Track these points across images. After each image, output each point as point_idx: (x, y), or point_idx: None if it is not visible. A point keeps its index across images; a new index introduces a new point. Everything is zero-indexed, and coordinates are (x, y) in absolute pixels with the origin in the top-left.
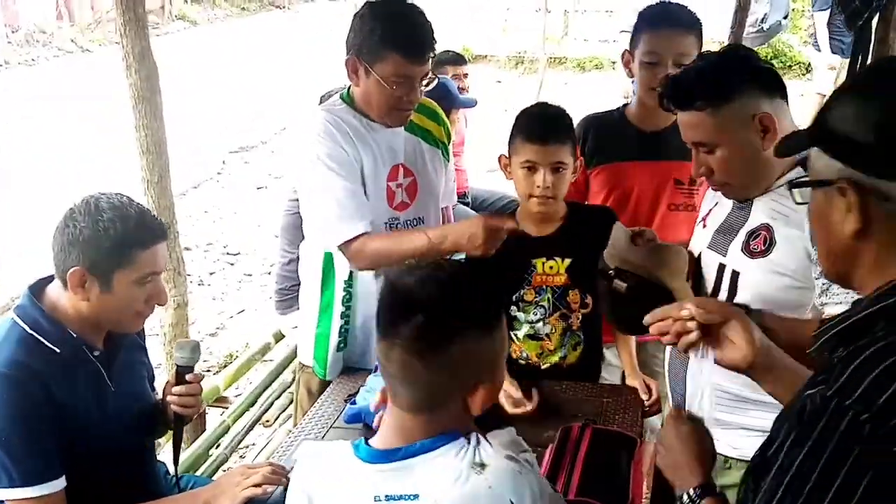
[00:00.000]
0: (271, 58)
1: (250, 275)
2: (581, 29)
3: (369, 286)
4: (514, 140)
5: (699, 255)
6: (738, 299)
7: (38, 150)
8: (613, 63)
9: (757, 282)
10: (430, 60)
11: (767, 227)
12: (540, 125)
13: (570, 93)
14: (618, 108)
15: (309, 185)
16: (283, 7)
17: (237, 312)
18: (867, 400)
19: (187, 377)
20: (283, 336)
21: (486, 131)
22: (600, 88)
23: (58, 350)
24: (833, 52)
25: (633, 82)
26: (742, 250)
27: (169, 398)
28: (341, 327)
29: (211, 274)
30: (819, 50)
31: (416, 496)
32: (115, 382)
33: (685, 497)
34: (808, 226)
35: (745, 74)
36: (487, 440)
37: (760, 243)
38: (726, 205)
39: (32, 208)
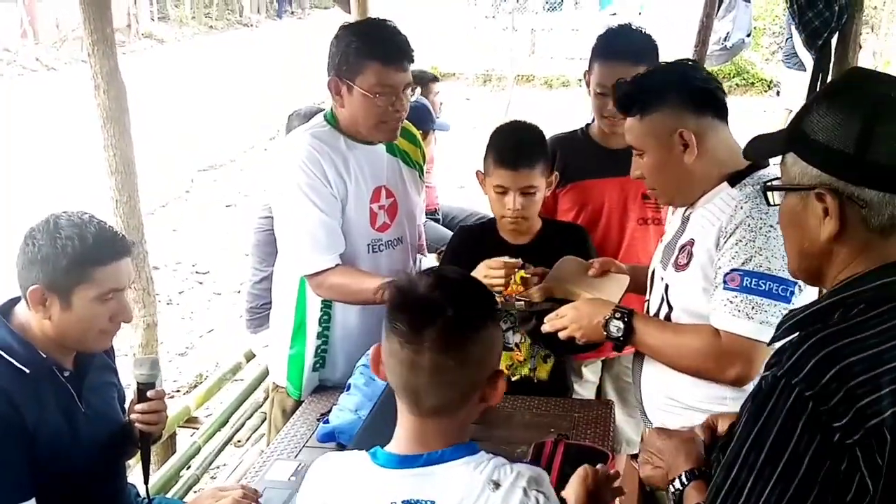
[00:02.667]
0: (238, 76)
1: (219, 293)
2: (548, 47)
3: (348, 307)
4: (487, 160)
5: (652, 270)
6: (673, 311)
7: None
8: (580, 80)
9: (680, 293)
10: (410, 70)
11: (692, 242)
12: (510, 150)
13: (538, 110)
14: (581, 128)
15: (286, 211)
16: (251, 25)
17: (207, 332)
18: (811, 380)
19: (149, 394)
20: (254, 355)
21: (454, 149)
22: (568, 106)
23: (27, 370)
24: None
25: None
26: (672, 264)
27: (132, 416)
28: (318, 348)
29: (180, 293)
30: (790, 68)
31: (432, 502)
32: (86, 403)
33: (676, 482)
34: (718, 239)
35: (675, 90)
36: (513, 467)
37: (684, 257)
38: (675, 221)
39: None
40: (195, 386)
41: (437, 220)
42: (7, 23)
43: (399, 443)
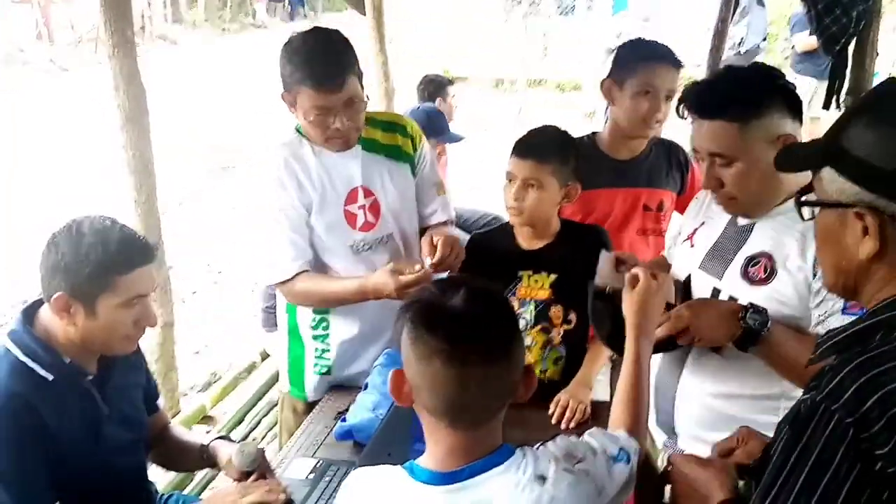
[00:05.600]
0: (252, 77)
1: (234, 291)
2: (560, 51)
3: (345, 308)
4: (511, 153)
5: (688, 276)
6: None
7: (23, 169)
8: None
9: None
10: (348, 85)
11: (768, 256)
12: (524, 140)
13: (549, 113)
14: (587, 136)
15: (259, 223)
16: (263, 28)
17: (221, 331)
18: (851, 406)
19: (254, 476)
20: (269, 355)
21: (467, 151)
22: (580, 109)
23: (50, 377)
24: (805, 75)
25: (606, 110)
26: (741, 276)
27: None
28: (318, 350)
29: (194, 293)
30: (799, 73)
31: None
32: (109, 405)
33: None
34: (810, 255)
35: (776, 93)
36: (541, 454)
37: (761, 271)
38: (717, 225)
39: (17, 228)
40: (210, 384)
41: None
42: (22, 24)
43: (437, 459)
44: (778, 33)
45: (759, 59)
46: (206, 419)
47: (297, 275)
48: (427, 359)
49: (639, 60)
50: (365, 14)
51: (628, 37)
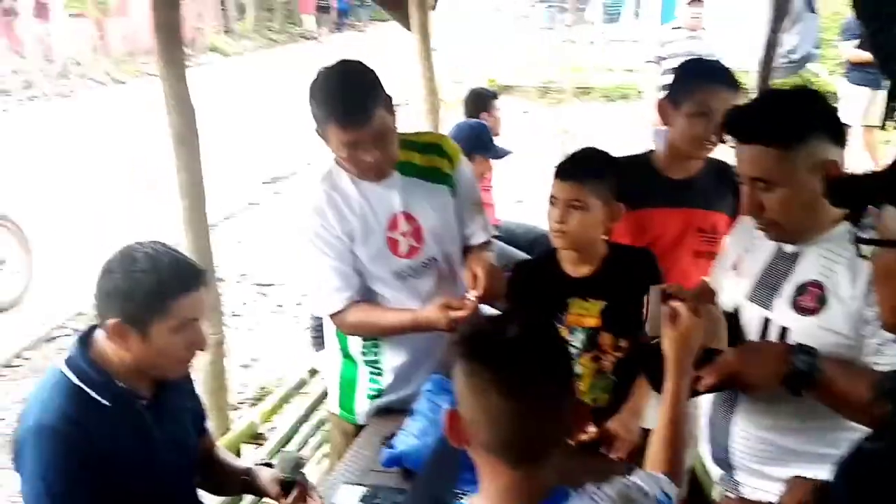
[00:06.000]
0: (300, 88)
1: (282, 306)
2: (607, 59)
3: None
4: (554, 176)
5: (736, 306)
6: None
7: (74, 183)
8: (640, 92)
9: (806, 340)
10: (375, 118)
11: (819, 284)
12: (565, 163)
13: (596, 122)
14: (643, 154)
15: (302, 257)
16: (311, 38)
17: (270, 345)
18: None
19: (294, 491)
20: (318, 372)
21: (511, 162)
22: (627, 119)
23: (105, 402)
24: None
25: (663, 130)
26: (791, 306)
27: None
28: (370, 374)
29: (243, 305)
30: (852, 83)
31: None
32: (161, 430)
33: None
34: (862, 284)
35: (820, 118)
36: (598, 497)
37: (811, 300)
38: (762, 253)
39: (69, 241)
40: (259, 399)
41: (497, 237)
42: (78, 37)
43: (492, 501)
44: (830, 40)
45: (811, 66)
46: (257, 437)
47: (346, 306)
48: (483, 392)
49: (696, 81)
50: (410, 29)
51: (675, 46)
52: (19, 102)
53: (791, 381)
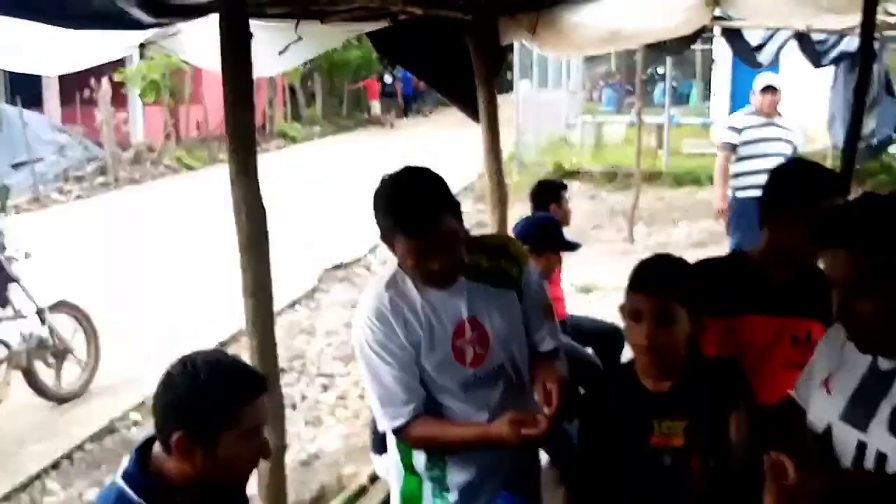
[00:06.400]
0: (366, 173)
1: (344, 398)
2: (676, 143)
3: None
4: (627, 288)
5: (827, 427)
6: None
7: (142, 270)
8: (711, 177)
9: None
10: (443, 225)
11: None
12: (645, 274)
13: (665, 206)
14: (736, 255)
15: (361, 367)
16: (379, 124)
17: (330, 439)
18: None
19: None
20: (378, 478)
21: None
22: (698, 202)
23: None
24: None
25: (762, 230)
26: (889, 430)
27: None
28: (435, 490)
29: (304, 398)
30: None
31: None
32: None
33: None
34: None
35: None
36: None
37: None
38: (856, 368)
39: (136, 330)
40: (318, 500)
41: (566, 332)
42: (153, 125)
43: None
44: None
45: (891, 150)
46: None
47: (411, 420)
48: None
49: (803, 185)
50: (478, 121)
51: (751, 133)
52: (93, 189)
53: None
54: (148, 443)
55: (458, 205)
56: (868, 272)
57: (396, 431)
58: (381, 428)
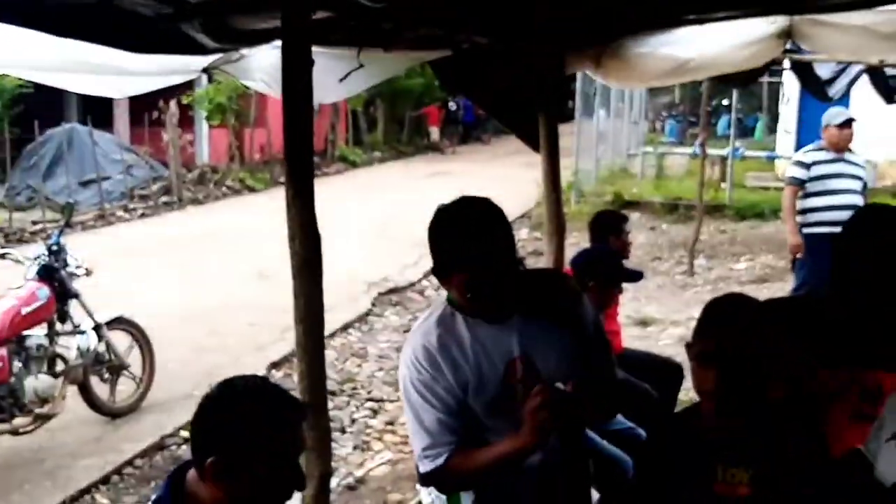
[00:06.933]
0: (423, 199)
1: (393, 423)
2: (740, 176)
3: (512, 491)
4: (699, 329)
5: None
6: None
7: (199, 288)
8: (775, 211)
9: None
10: (503, 261)
11: None
12: (717, 316)
13: (727, 240)
14: (813, 299)
15: (406, 405)
16: (438, 151)
17: (378, 464)
18: None
19: None
20: None
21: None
22: (761, 236)
23: None
24: None
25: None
26: None
27: None
28: None
29: (353, 422)
30: None
31: None
32: None
33: None
34: None
35: None
36: None
37: None
38: None
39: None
40: None
41: (621, 367)
42: (218, 146)
43: None
44: None
45: None
46: None
47: (449, 457)
48: None
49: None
50: (538, 151)
51: (820, 168)
52: (157, 208)
53: None
54: (183, 468)
55: (514, 237)
56: None
57: (435, 474)
58: (421, 470)
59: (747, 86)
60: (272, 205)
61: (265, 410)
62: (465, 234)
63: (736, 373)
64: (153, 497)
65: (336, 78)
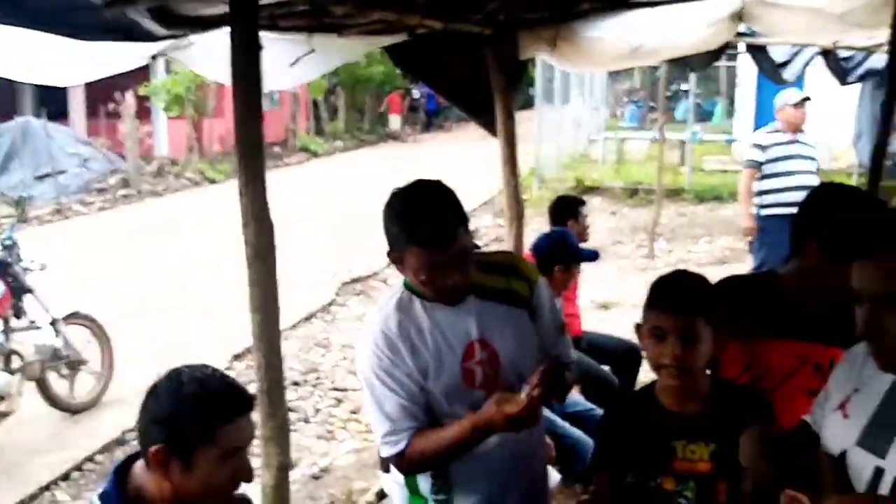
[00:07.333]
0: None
1: (356, 412)
2: (699, 160)
3: (470, 471)
4: (646, 306)
5: (842, 452)
6: None
7: (157, 282)
8: (734, 194)
9: None
10: (458, 240)
11: None
12: (673, 290)
13: (687, 223)
14: (763, 275)
15: (366, 391)
16: (401, 139)
17: (342, 454)
18: None
19: None
20: (385, 496)
21: (597, 265)
22: (720, 219)
23: None
24: None
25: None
26: None
27: None
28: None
29: (317, 411)
30: None
31: None
32: None
33: None
34: None
35: None
36: None
37: None
38: (875, 392)
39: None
40: None
41: (581, 349)
42: (176, 138)
43: None
44: None
45: None
46: None
47: (409, 440)
48: None
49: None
50: (495, 135)
51: (777, 150)
52: (115, 201)
53: None
54: (130, 460)
55: (468, 220)
56: None
57: (396, 459)
58: (382, 454)
59: (704, 69)
60: (233, 196)
61: (211, 399)
62: (417, 214)
63: (690, 347)
64: (99, 490)
65: (287, 63)
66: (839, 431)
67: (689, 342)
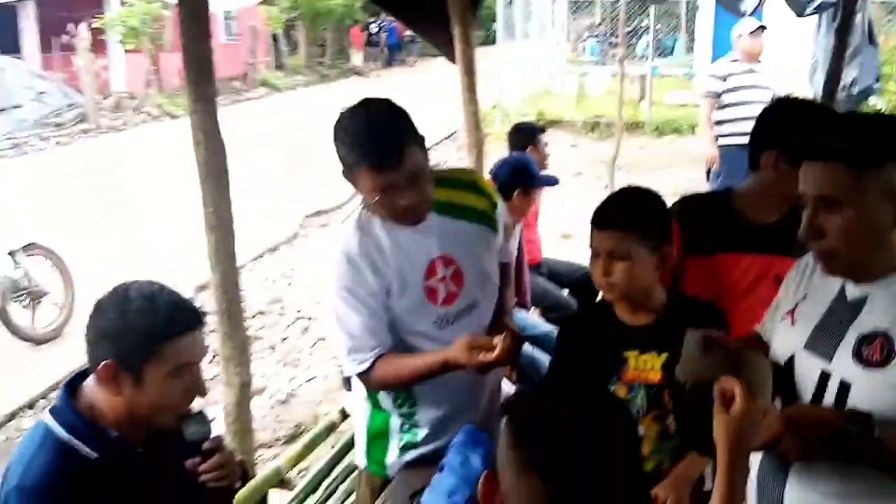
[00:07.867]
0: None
1: (324, 339)
2: (659, 94)
3: (433, 387)
4: (600, 223)
5: (790, 357)
6: None
7: (119, 216)
8: (693, 127)
9: (871, 397)
10: (409, 158)
11: (885, 335)
12: (605, 209)
13: (646, 156)
14: (721, 192)
15: (329, 310)
16: (361, 74)
17: (308, 380)
18: None
19: (204, 446)
20: (349, 415)
21: (559, 197)
22: (679, 151)
23: (96, 455)
24: None
25: (750, 173)
26: (854, 357)
27: (201, 479)
28: (405, 426)
29: (283, 339)
30: None
31: None
32: (161, 484)
33: None
34: None
35: None
36: None
37: (877, 352)
38: (822, 298)
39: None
40: (294, 437)
41: (541, 274)
42: (133, 72)
43: None
44: (892, 73)
45: (872, 100)
46: (282, 483)
47: (375, 361)
48: (524, 471)
49: (787, 130)
50: (455, 62)
51: (735, 80)
52: (73, 136)
53: (842, 453)
54: (79, 376)
55: (423, 139)
56: (844, 184)
57: (362, 375)
58: (346, 373)
59: (662, 1)
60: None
61: (158, 314)
62: (364, 132)
63: (620, 264)
64: (49, 406)
65: None
66: (786, 338)
67: (617, 260)
